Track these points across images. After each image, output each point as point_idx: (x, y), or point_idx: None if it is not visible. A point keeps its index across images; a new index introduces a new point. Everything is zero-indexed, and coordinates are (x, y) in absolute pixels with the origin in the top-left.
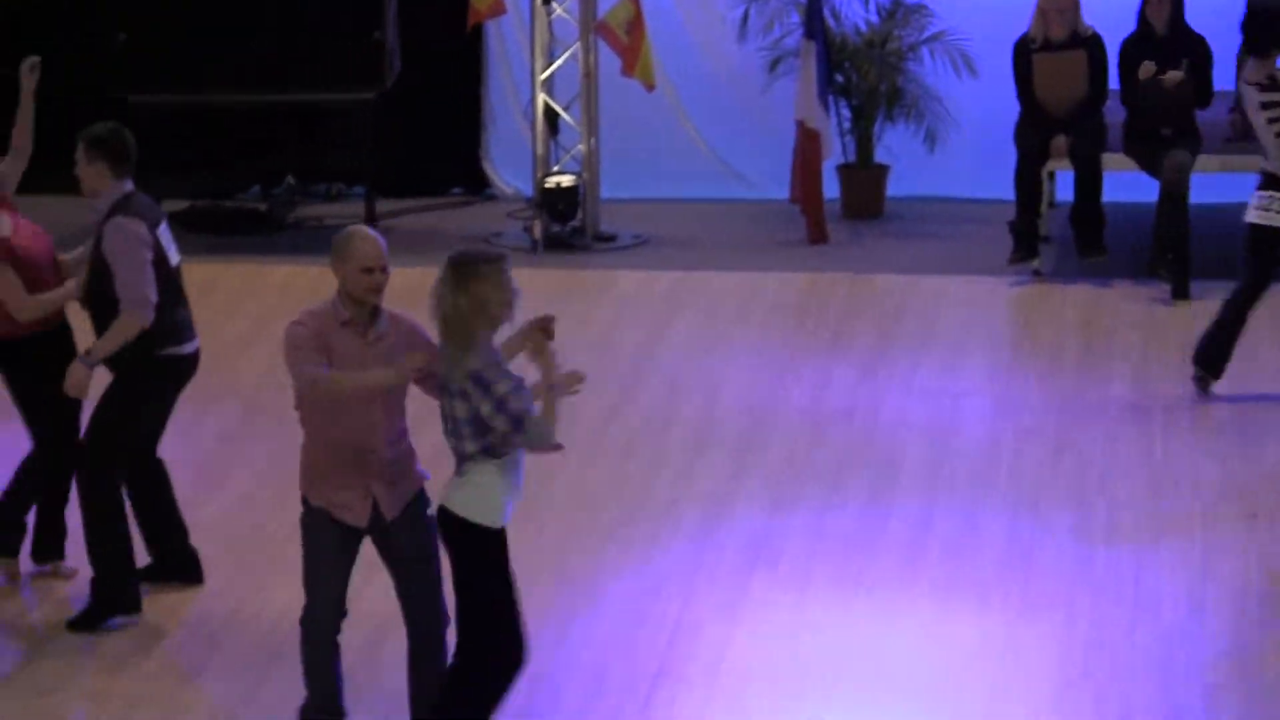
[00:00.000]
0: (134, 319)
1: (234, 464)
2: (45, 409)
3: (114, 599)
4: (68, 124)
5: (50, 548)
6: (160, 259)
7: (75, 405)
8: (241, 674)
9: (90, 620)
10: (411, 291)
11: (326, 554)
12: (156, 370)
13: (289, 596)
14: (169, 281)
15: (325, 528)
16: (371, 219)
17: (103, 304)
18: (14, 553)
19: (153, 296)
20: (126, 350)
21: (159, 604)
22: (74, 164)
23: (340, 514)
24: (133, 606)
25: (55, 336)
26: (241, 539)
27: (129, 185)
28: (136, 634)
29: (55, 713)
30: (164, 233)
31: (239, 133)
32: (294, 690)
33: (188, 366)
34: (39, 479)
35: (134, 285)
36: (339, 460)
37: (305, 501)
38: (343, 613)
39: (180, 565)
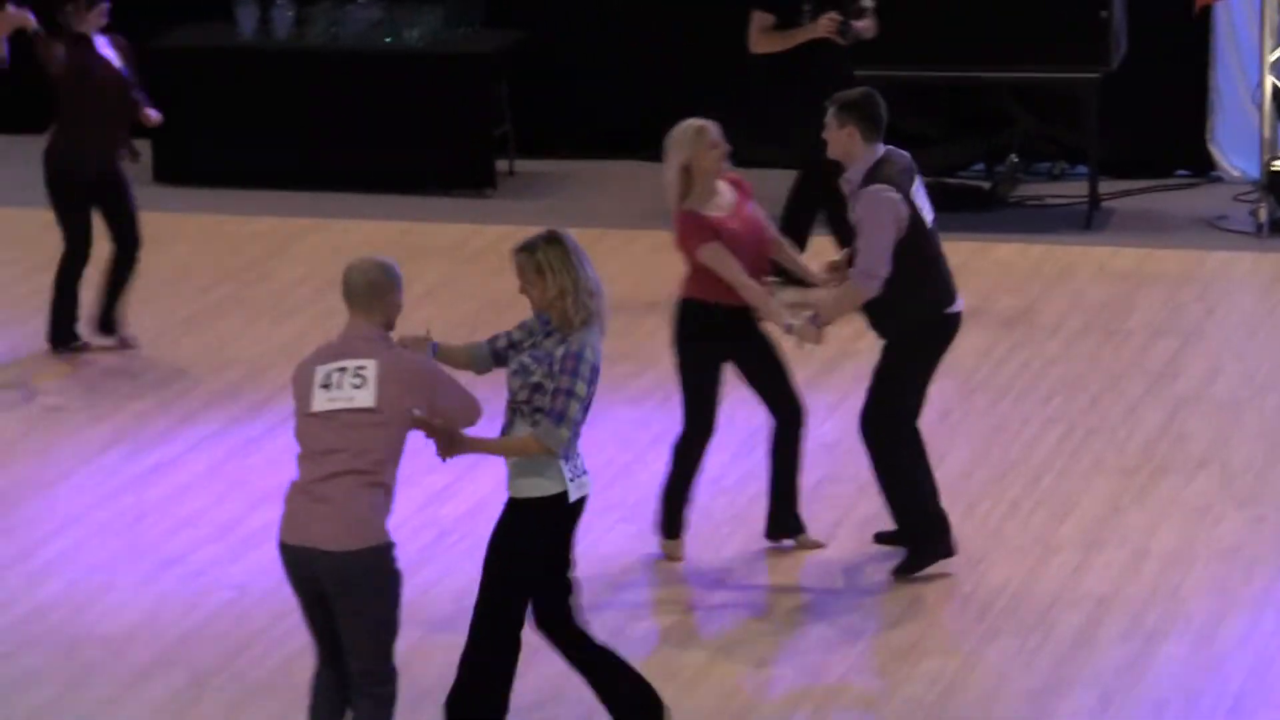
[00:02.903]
0: (860, 290)
1: (954, 440)
2: (704, 391)
3: (927, 550)
4: (809, 97)
5: (786, 524)
6: (916, 220)
7: (780, 377)
8: (956, 646)
9: (909, 568)
10: (1128, 275)
11: None
12: (930, 332)
13: (1006, 575)
14: (928, 240)
15: None
16: (1094, 199)
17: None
18: (675, 534)
19: (883, 271)
20: (900, 315)
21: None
22: (823, 129)
23: None
24: (945, 553)
25: (744, 314)
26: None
27: (881, 149)
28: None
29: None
30: (918, 192)
31: (964, 110)
32: (1023, 670)
33: (954, 326)
34: (692, 460)
35: (869, 256)
36: None
37: None
38: None
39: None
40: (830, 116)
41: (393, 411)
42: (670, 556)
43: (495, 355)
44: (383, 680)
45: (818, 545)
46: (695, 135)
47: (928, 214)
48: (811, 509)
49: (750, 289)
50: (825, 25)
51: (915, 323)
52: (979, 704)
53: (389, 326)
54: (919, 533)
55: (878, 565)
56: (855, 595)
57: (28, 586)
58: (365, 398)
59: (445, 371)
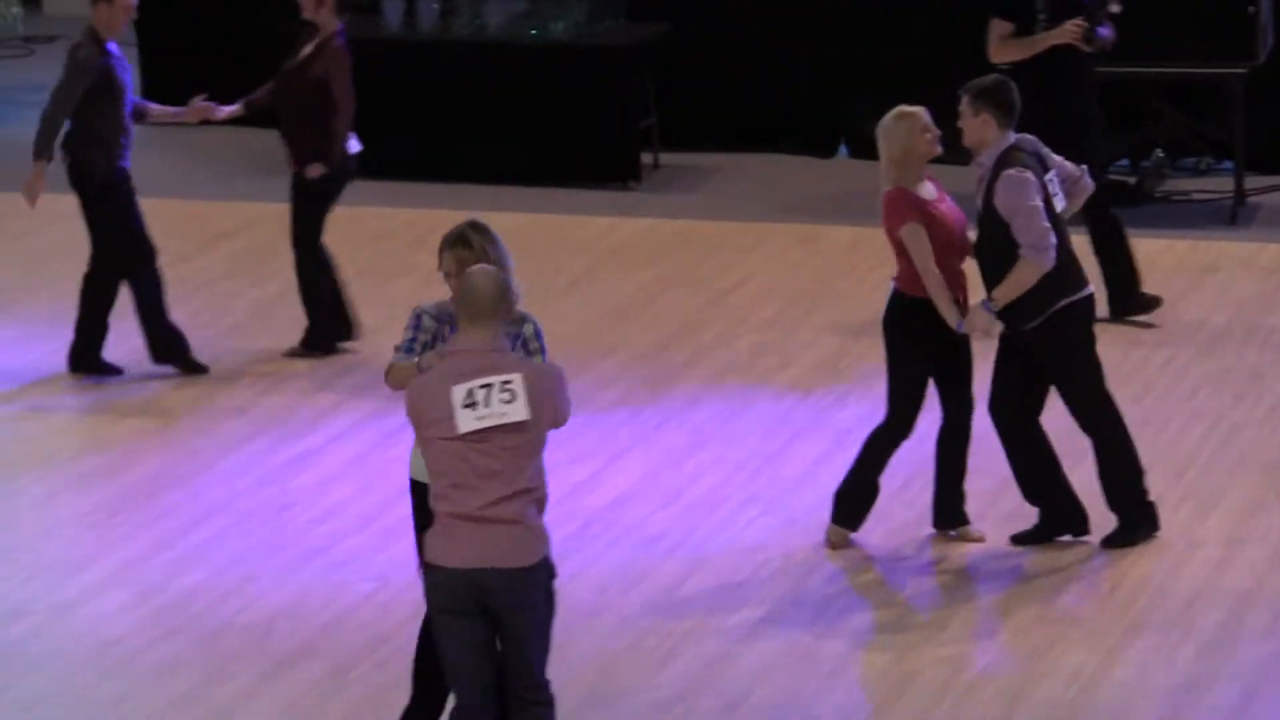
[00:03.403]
0: (1034, 264)
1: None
2: (903, 380)
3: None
4: (940, 95)
5: (952, 515)
6: (1046, 203)
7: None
8: (1097, 642)
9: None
10: (1273, 271)
11: None
12: (1070, 317)
13: (1149, 570)
14: (1057, 227)
15: None
16: (1240, 195)
17: (994, 255)
18: (854, 525)
19: (1052, 239)
20: (1033, 312)
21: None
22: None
23: None
24: (1079, 530)
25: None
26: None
27: (1011, 137)
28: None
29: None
30: (1052, 179)
31: (1111, 105)
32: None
33: (1090, 310)
34: (883, 455)
35: (1031, 232)
36: None
37: None
38: None
39: (1068, 518)
40: (965, 104)
41: (541, 421)
42: (834, 544)
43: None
44: (545, 688)
45: (979, 539)
46: (909, 123)
47: (1058, 201)
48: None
49: (932, 278)
50: (1071, 31)
51: (1053, 312)
52: (1119, 700)
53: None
54: (1052, 508)
55: (1018, 559)
56: (996, 589)
57: (169, 576)
58: (519, 411)
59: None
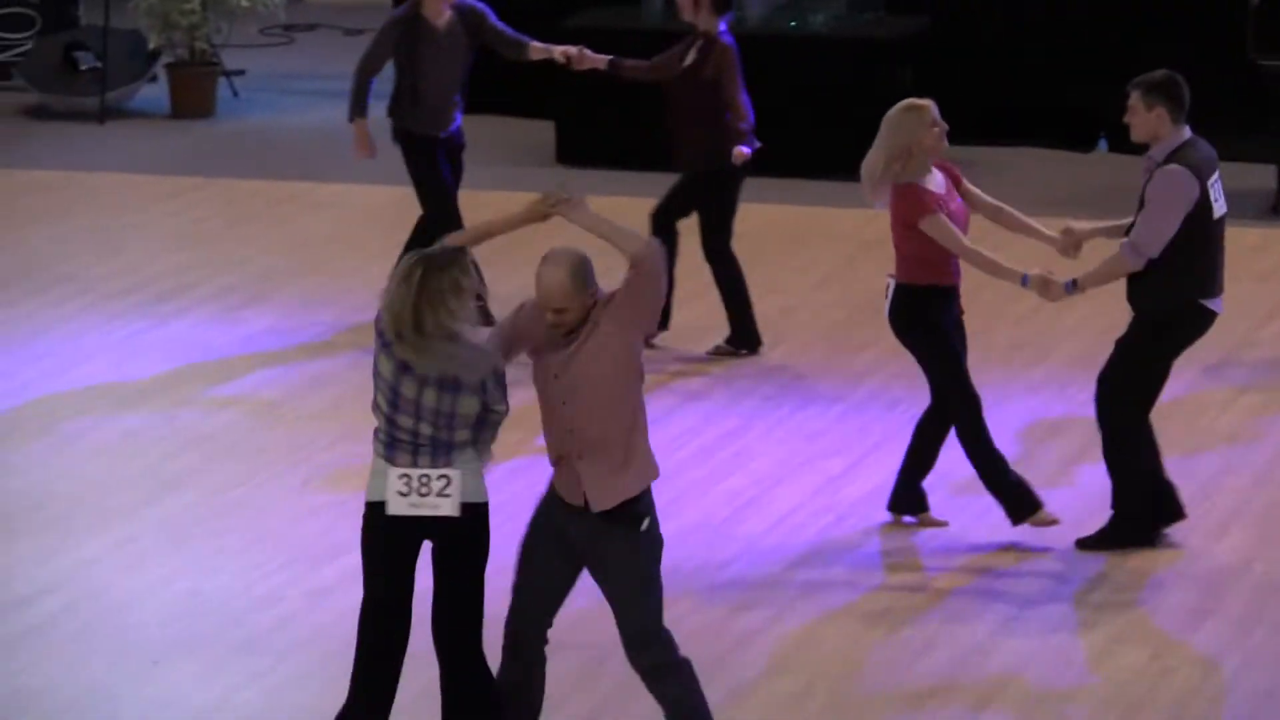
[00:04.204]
0: (1125, 262)
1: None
2: (949, 362)
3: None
4: (1196, 88)
5: (912, 500)
6: (1204, 209)
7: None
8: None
9: (1102, 542)
10: None
11: None
12: (1180, 318)
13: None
14: (1210, 232)
15: None
16: None
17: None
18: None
19: (1154, 251)
20: (1158, 295)
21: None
22: (1126, 112)
23: None
24: (1170, 519)
25: (953, 294)
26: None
27: (1187, 133)
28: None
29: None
30: (1215, 185)
31: None
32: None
33: (1207, 322)
34: (986, 434)
35: (1147, 232)
36: None
37: None
38: None
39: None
40: (1136, 99)
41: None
42: (1046, 522)
43: None
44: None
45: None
46: (917, 115)
47: (1219, 206)
48: (1207, 502)
49: (973, 254)
50: None
51: (1170, 307)
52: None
53: None
54: (1132, 507)
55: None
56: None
57: (422, 566)
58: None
59: None
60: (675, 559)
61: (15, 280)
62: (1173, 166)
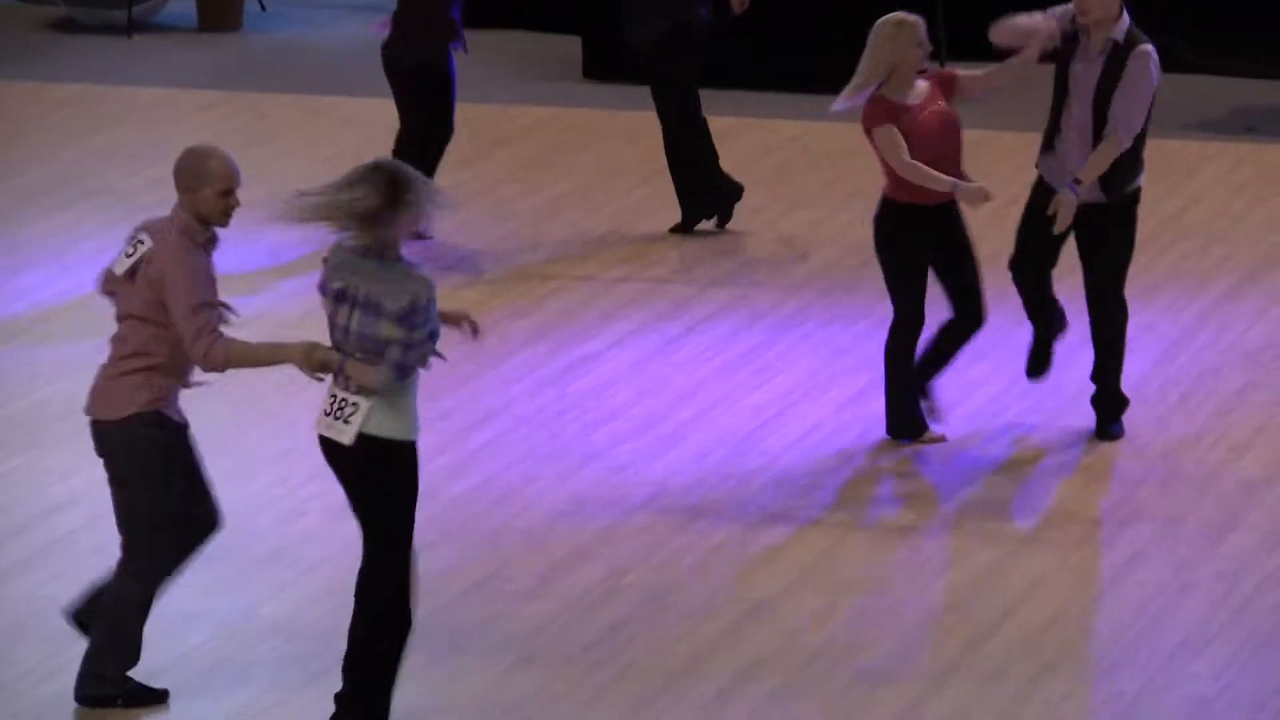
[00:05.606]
0: (1122, 143)
1: None
2: (908, 277)
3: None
4: None
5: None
6: None
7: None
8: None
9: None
10: None
11: None
12: (1135, 199)
13: (1256, 472)
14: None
15: None
16: None
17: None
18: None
19: (1139, 129)
20: (1133, 171)
21: None
22: None
23: None
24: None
25: (939, 213)
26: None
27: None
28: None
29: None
30: None
31: None
32: None
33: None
34: (908, 355)
35: (1137, 109)
36: None
37: None
38: None
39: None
40: None
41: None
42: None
43: None
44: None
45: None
46: (905, 33)
47: None
48: (1233, 416)
49: (912, 169)
50: None
51: (1138, 181)
52: None
53: None
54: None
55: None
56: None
57: (448, 479)
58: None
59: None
60: (698, 475)
61: (46, 194)
62: (1148, 47)
